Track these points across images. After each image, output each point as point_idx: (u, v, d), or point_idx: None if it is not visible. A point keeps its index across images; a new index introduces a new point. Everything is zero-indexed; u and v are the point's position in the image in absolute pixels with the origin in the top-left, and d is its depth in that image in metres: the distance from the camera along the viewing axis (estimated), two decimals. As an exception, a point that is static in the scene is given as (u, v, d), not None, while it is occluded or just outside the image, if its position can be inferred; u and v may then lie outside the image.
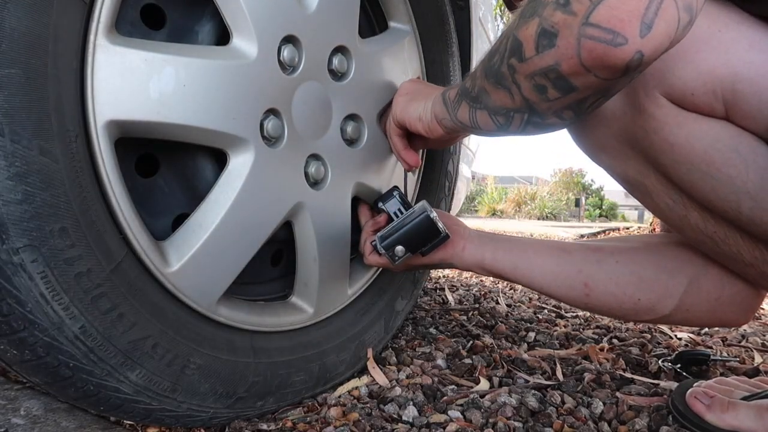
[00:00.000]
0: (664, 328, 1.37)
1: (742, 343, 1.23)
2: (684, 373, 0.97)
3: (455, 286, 1.93)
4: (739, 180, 0.58)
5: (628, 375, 0.95)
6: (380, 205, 0.86)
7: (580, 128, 0.69)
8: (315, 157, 0.79)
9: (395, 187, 0.88)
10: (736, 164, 0.58)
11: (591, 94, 0.52)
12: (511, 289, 1.98)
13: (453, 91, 0.71)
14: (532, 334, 1.20)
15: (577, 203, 18.71)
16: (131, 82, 0.58)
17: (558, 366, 0.98)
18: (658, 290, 0.76)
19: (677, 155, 0.60)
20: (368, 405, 0.79)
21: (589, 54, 0.47)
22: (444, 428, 0.72)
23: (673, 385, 0.88)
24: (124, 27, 0.63)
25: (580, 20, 0.46)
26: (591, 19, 0.45)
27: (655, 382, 0.92)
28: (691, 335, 1.30)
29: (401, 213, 0.84)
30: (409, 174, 1.00)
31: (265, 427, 0.73)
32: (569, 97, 0.53)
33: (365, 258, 0.86)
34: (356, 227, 0.89)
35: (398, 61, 0.94)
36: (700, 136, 0.58)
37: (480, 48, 1.27)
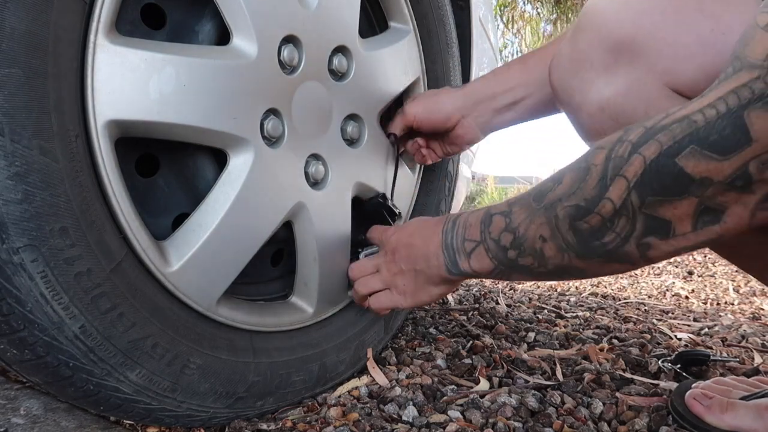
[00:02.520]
0: (664, 328, 1.37)
1: (742, 344, 1.23)
2: (684, 374, 0.97)
3: (455, 286, 1.93)
4: None
5: (628, 375, 0.95)
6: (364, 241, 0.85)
7: (587, 123, 0.67)
8: (315, 157, 0.79)
9: (382, 195, 0.87)
10: None
11: None
12: (511, 289, 1.99)
13: (467, 263, 0.65)
14: (532, 335, 1.20)
15: (577, 203, 18.68)
16: (131, 81, 0.58)
17: (558, 366, 0.98)
18: None
19: None
20: (368, 405, 0.79)
21: (761, 221, 0.45)
22: (444, 428, 0.72)
23: (673, 385, 0.88)
24: (124, 27, 0.63)
25: (759, 198, 0.44)
26: None
27: (655, 382, 0.92)
28: (691, 335, 1.30)
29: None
30: (406, 173, 1.00)
31: (265, 427, 0.73)
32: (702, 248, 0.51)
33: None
34: (356, 227, 0.89)
35: (398, 61, 0.94)
36: None
37: (480, 47, 1.26)
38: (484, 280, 2.25)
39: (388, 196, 0.91)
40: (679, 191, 0.46)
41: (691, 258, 3.27)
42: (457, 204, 1.32)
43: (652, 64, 0.58)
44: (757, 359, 1.10)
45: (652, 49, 0.58)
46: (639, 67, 0.59)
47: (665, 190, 0.46)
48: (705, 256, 3.28)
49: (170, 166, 0.70)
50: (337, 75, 0.82)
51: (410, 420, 0.74)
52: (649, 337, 1.24)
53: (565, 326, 1.33)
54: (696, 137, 0.44)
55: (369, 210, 0.88)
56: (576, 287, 2.25)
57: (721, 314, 1.72)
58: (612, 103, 0.62)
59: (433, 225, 0.72)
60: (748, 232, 0.65)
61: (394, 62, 0.93)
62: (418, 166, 1.05)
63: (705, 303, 2.01)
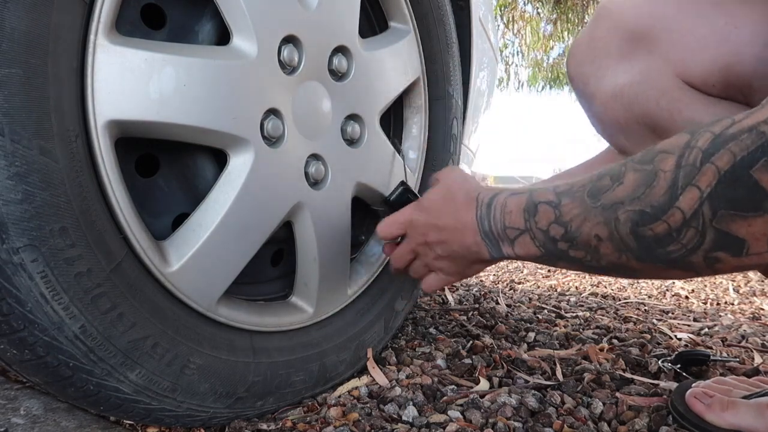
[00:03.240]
0: (664, 328, 1.37)
1: (742, 344, 1.23)
2: (684, 374, 0.97)
3: (455, 286, 1.93)
4: None
5: (628, 375, 0.95)
6: (391, 199, 0.85)
7: (600, 111, 0.68)
8: (315, 157, 0.79)
9: (402, 183, 0.87)
10: None
11: None
12: (511, 289, 1.99)
13: (511, 249, 0.64)
14: (532, 335, 1.20)
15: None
16: (131, 81, 0.58)
17: (558, 366, 0.98)
18: None
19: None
20: (368, 405, 0.79)
21: None
22: (444, 428, 0.72)
23: (673, 385, 0.88)
24: (124, 27, 0.63)
25: None
26: None
27: (655, 382, 0.92)
28: (691, 335, 1.30)
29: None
30: (408, 172, 1.00)
31: (264, 427, 0.73)
32: None
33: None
34: (356, 227, 0.89)
35: (398, 60, 0.94)
36: (726, 114, 0.58)
37: (480, 47, 1.26)
38: (483, 280, 2.25)
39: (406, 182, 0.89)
40: (753, 206, 0.44)
41: (691, 258, 3.26)
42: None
43: (666, 55, 0.59)
44: (757, 359, 1.10)
45: (667, 40, 0.59)
46: (654, 57, 0.60)
47: (739, 204, 0.44)
48: (705, 256, 3.27)
49: (170, 166, 0.70)
50: (337, 75, 0.82)
51: (410, 420, 0.74)
52: (649, 337, 1.24)
53: (565, 326, 1.33)
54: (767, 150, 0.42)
55: (396, 201, 0.84)
56: (576, 287, 2.25)
57: (721, 314, 1.72)
58: (626, 92, 0.63)
59: (464, 206, 0.69)
60: None
61: (394, 62, 0.93)
62: (419, 165, 1.05)
63: (705, 303, 2.01)
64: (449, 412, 0.76)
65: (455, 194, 0.72)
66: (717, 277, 2.61)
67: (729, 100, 0.59)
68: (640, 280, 2.49)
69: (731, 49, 0.56)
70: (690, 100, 0.59)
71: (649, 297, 2.07)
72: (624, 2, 0.63)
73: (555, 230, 0.58)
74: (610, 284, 2.37)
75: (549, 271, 2.82)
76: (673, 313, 1.69)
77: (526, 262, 0.83)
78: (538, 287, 2.20)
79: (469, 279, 2.19)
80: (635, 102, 0.63)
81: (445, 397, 0.82)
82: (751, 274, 2.55)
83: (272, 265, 0.86)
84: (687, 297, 2.11)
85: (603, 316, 1.54)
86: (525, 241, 0.62)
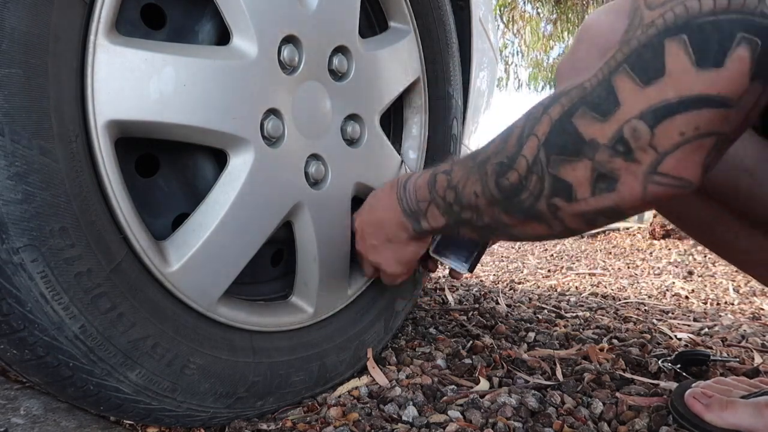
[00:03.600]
0: (664, 328, 1.37)
1: (742, 344, 1.23)
2: (684, 374, 0.97)
3: (455, 286, 1.93)
4: (737, 158, 0.60)
5: (628, 375, 0.95)
6: None
7: None
8: (315, 157, 0.79)
9: None
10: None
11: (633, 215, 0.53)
12: (511, 289, 1.99)
13: (426, 222, 0.71)
14: (532, 335, 1.20)
15: (577, 203, 18.68)
16: (131, 81, 0.58)
17: (558, 366, 0.98)
18: None
19: None
20: (368, 405, 0.79)
21: (654, 196, 0.48)
22: (444, 428, 0.72)
23: (673, 385, 0.88)
24: (124, 27, 0.63)
25: (646, 169, 0.47)
26: (659, 169, 0.47)
27: (655, 382, 0.92)
28: (691, 335, 1.30)
29: None
30: (409, 172, 1.00)
31: (264, 427, 0.73)
32: (617, 220, 0.53)
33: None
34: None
35: (398, 61, 0.94)
36: None
37: (480, 47, 1.26)
38: (484, 280, 2.25)
39: None
40: (575, 151, 0.49)
41: (691, 258, 3.27)
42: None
43: None
44: (757, 359, 1.10)
45: None
46: None
47: (565, 150, 0.50)
48: (705, 257, 3.28)
49: (170, 166, 0.70)
50: (337, 75, 0.82)
51: (410, 420, 0.74)
52: (649, 337, 1.24)
53: (565, 326, 1.33)
54: (585, 101, 0.49)
55: None
56: (576, 287, 2.25)
57: (721, 314, 1.72)
58: None
59: (388, 193, 0.77)
60: (740, 230, 0.66)
61: (394, 62, 0.93)
62: (419, 165, 1.05)
63: (705, 303, 2.01)
64: (449, 412, 0.76)
65: (380, 191, 0.81)
66: (717, 277, 2.61)
67: None
68: (639, 281, 2.49)
69: None
70: None
71: (649, 297, 2.07)
72: (601, 22, 0.66)
73: (449, 195, 0.65)
74: (610, 284, 2.37)
75: (549, 271, 2.82)
76: (673, 313, 1.69)
77: (488, 249, 0.91)
78: (538, 287, 2.20)
79: (469, 279, 2.19)
80: None
81: (445, 397, 0.82)
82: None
83: (272, 265, 0.86)
84: (687, 297, 2.11)
85: (603, 316, 1.54)
86: (433, 211, 0.69)
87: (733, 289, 2.27)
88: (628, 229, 5.38)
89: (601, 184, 0.49)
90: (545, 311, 1.55)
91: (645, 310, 1.74)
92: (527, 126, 0.53)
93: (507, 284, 2.21)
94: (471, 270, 0.88)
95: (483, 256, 0.91)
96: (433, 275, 2.14)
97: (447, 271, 2.42)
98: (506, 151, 0.56)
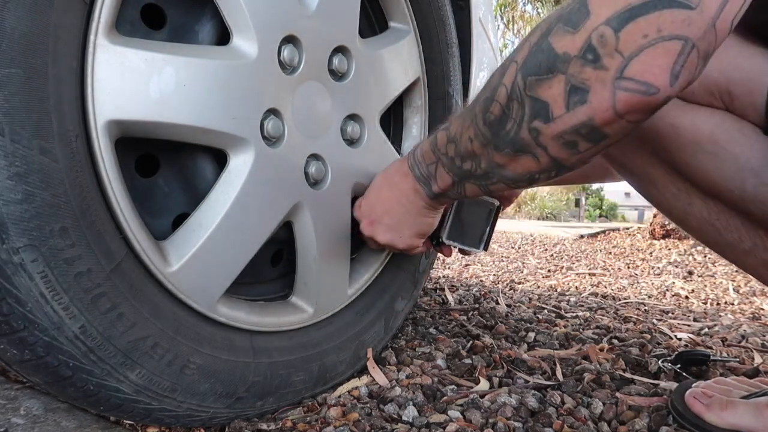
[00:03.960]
0: (664, 328, 1.37)
1: (742, 344, 1.23)
2: (684, 374, 0.97)
3: (455, 286, 1.93)
4: (743, 157, 0.61)
5: (628, 375, 0.95)
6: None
7: None
8: (315, 157, 0.79)
9: None
10: (740, 142, 0.61)
11: (620, 138, 0.54)
12: (511, 289, 1.99)
13: (436, 184, 0.71)
14: (532, 335, 1.20)
15: (577, 203, 18.72)
16: (131, 82, 0.58)
17: (558, 366, 0.98)
18: None
19: (683, 138, 0.64)
20: (368, 405, 0.79)
21: (624, 104, 0.48)
22: (444, 428, 0.72)
23: (673, 385, 0.88)
24: (124, 27, 0.63)
25: (613, 75, 0.48)
26: (625, 74, 0.47)
27: (655, 382, 0.92)
28: (691, 335, 1.30)
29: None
30: None
31: (264, 427, 0.73)
32: (600, 145, 0.54)
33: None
34: (356, 227, 0.89)
35: (398, 61, 0.94)
36: (705, 119, 0.62)
37: (480, 47, 1.26)
38: (484, 280, 2.25)
39: None
40: (549, 68, 0.50)
41: (691, 258, 3.27)
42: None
43: None
44: (757, 359, 1.10)
45: None
46: None
47: (540, 69, 0.51)
48: (705, 257, 3.28)
49: (170, 166, 0.70)
50: (337, 75, 0.82)
51: (410, 420, 0.74)
52: (649, 337, 1.24)
53: (565, 326, 1.33)
54: (561, 18, 0.50)
55: None
56: (576, 287, 2.25)
57: (721, 314, 1.72)
58: None
59: (399, 168, 0.77)
60: (742, 227, 0.66)
61: (394, 62, 0.93)
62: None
63: (705, 303, 2.01)
64: (449, 412, 0.76)
65: (389, 167, 0.81)
66: (717, 277, 2.61)
67: (710, 107, 0.62)
68: (639, 282, 2.48)
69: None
70: (670, 106, 0.63)
71: (649, 297, 2.07)
72: None
73: (450, 149, 0.66)
74: (610, 284, 2.37)
75: (549, 271, 2.82)
76: (673, 313, 1.69)
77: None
78: (538, 287, 2.20)
79: (469, 279, 2.19)
80: None
81: (445, 397, 0.82)
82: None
83: (272, 265, 0.86)
84: (687, 297, 2.11)
85: (603, 316, 1.54)
86: (441, 172, 0.69)
87: (733, 289, 2.27)
88: (628, 229, 5.39)
89: (574, 97, 0.50)
90: (545, 311, 1.55)
91: (645, 310, 1.74)
92: (509, 57, 0.55)
93: (507, 284, 2.21)
94: (486, 248, 0.91)
95: (492, 236, 0.92)
96: (432, 274, 2.14)
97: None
98: (490, 86, 0.57)
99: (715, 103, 0.62)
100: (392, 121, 1.04)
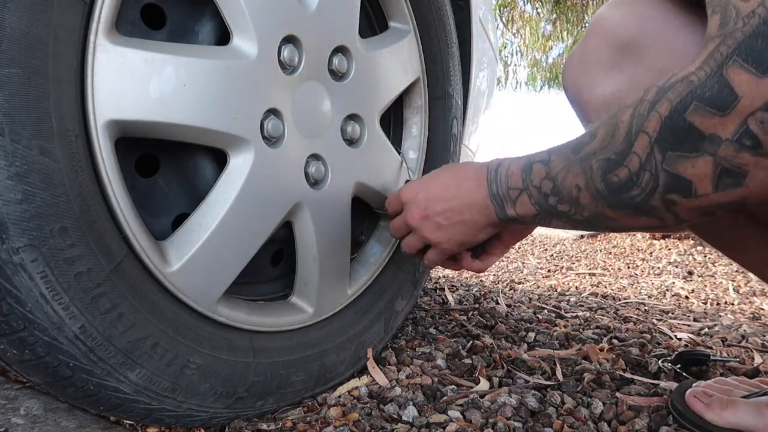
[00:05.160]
0: (664, 328, 1.37)
1: (742, 344, 1.23)
2: (684, 374, 0.97)
3: (455, 286, 1.93)
4: None
5: (628, 375, 0.95)
6: None
7: (593, 119, 0.72)
8: (315, 157, 0.79)
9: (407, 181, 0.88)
10: None
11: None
12: (511, 289, 1.99)
13: (513, 209, 0.68)
14: (532, 335, 1.20)
15: (577, 203, 18.68)
16: (131, 81, 0.58)
17: (558, 366, 0.98)
18: None
19: None
20: (368, 405, 0.79)
21: None
22: (444, 428, 0.72)
23: (673, 385, 0.88)
24: (124, 27, 0.63)
25: None
26: None
27: (655, 382, 0.92)
28: (691, 335, 1.30)
29: None
30: (409, 171, 1.00)
31: (264, 427, 0.73)
32: (737, 210, 0.52)
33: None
34: (356, 227, 0.89)
35: (398, 60, 0.94)
36: None
37: (480, 47, 1.26)
38: (483, 280, 2.25)
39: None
40: (693, 147, 0.48)
41: (691, 258, 3.27)
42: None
43: (652, 63, 0.63)
44: (757, 359, 1.10)
45: (653, 50, 0.64)
46: (640, 66, 0.65)
47: (681, 146, 0.49)
48: (705, 256, 3.28)
49: (170, 166, 0.70)
50: (337, 75, 0.82)
51: (410, 420, 0.74)
52: (649, 337, 1.24)
53: (565, 326, 1.33)
54: (696, 95, 0.47)
55: None
56: (576, 287, 2.25)
57: (721, 314, 1.72)
58: (616, 99, 0.66)
59: (474, 175, 0.73)
60: (744, 225, 0.66)
61: (394, 62, 0.93)
62: (419, 165, 1.05)
63: (705, 303, 2.01)
64: (449, 412, 0.76)
65: (462, 168, 0.76)
66: (717, 277, 2.61)
67: None
68: (639, 282, 2.48)
69: None
70: None
71: (649, 297, 2.07)
72: (613, 16, 0.66)
73: (546, 185, 0.63)
74: (610, 284, 2.37)
75: (549, 271, 2.82)
76: (673, 313, 1.69)
77: (527, 243, 0.87)
78: (538, 287, 2.20)
79: (469, 279, 2.19)
80: None
81: (445, 397, 0.82)
82: (751, 274, 2.55)
83: (272, 265, 0.86)
84: (687, 297, 2.11)
85: (603, 316, 1.54)
86: (524, 200, 0.67)
87: (733, 289, 2.27)
88: (628, 229, 5.37)
89: (725, 179, 0.48)
90: (545, 311, 1.55)
91: (645, 310, 1.74)
92: (635, 123, 0.52)
93: (507, 284, 2.21)
94: None
95: None
96: (432, 274, 2.14)
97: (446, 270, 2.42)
98: (613, 148, 0.54)
99: None
100: (392, 121, 1.04)
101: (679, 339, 1.25)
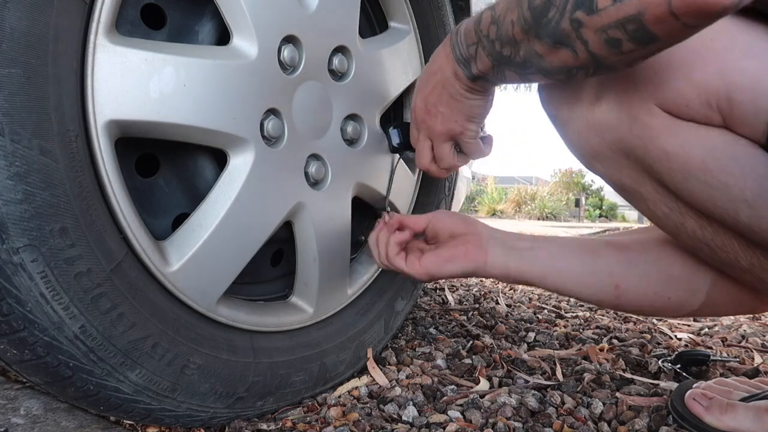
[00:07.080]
0: (664, 328, 1.37)
1: (742, 344, 1.23)
2: (684, 374, 0.97)
3: (455, 286, 1.93)
4: (736, 188, 0.57)
5: (628, 375, 0.95)
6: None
7: (573, 137, 0.68)
8: (315, 157, 0.79)
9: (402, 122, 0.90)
10: (733, 172, 0.57)
11: (668, 44, 0.50)
12: (511, 289, 1.98)
13: (476, 67, 0.67)
14: (532, 335, 1.20)
15: (577, 203, 18.70)
16: (131, 81, 0.58)
17: (558, 366, 0.98)
18: (687, 287, 0.75)
19: (673, 164, 0.59)
20: (368, 405, 0.79)
21: (683, 1, 0.43)
22: (444, 428, 0.72)
23: (673, 385, 0.88)
24: (124, 27, 0.63)
25: None
26: None
27: (655, 382, 0.92)
28: (691, 335, 1.30)
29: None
30: (407, 173, 1.00)
31: (264, 427, 0.73)
32: (646, 49, 0.50)
33: (408, 267, 0.79)
34: (356, 227, 0.89)
35: (398, 60, 0.94)
36: (697, 145, 0.58)
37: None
38: (483, 280, 2.24)
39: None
40: None
41: (691, 258, 3.26)
42: (457, 203, 1.32)
43: (638, 80, 0.58)
44: (757, 359, 1.10)
45: (639, 65, 0.58)
46: (626, 83, 0.60)
47: None
48: (705, 256, 3.28)
49: (170, 166, 0.70)
50: (337, 75, 0.82)
51: (410, 420, 0.74)
52: (649, 337, 1.24)
53: (565, 326, 1.33)
54: None
55: (402, 143, 0.90)
56: (576, 287, 2.25)
57: (721, 314, 1.72)
58: (599, 119, 0.63)
59: (441, 48, 0.73)
60: (739, 248, 0.64)
61: (394, 62, 0.93)
62: (418, 166, 1.04)
63: (705, 303, 2.01)
64: (449, 412, 0.76)
65: (434, 53, 0.75)
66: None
67: (706, 124, 0.57)
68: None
69: (705, 65, 0.55)
70: (662, 127, 0.58)
71: (649, 297, 2.07)
72: None
73: (492, 30, 0.62)
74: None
75: (549, 271, 2.82)
76: (673, 313, 1.69)
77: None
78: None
79: (469, 279, 2.19)
80: (607, 130, 0.63)
81: (445, 397, 0.82)
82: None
83: (272, 265, 0.86)
84: (687, 297, 2.10)
85: (603, 316, 1.54)
86: (480, 54, 0.66)
87: (733, 289, 2.27)
88: (628, 228, 5.38)
89: None
90: (545, 311, 1.55)
91: (645, 310, 1.74)
92: None
93: (507, 284, 2.21)
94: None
95: None
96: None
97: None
98: None
99: (713, 117, 0.57)
100: (392, 121, 1.04)
101: (679, 339, 1.25)
